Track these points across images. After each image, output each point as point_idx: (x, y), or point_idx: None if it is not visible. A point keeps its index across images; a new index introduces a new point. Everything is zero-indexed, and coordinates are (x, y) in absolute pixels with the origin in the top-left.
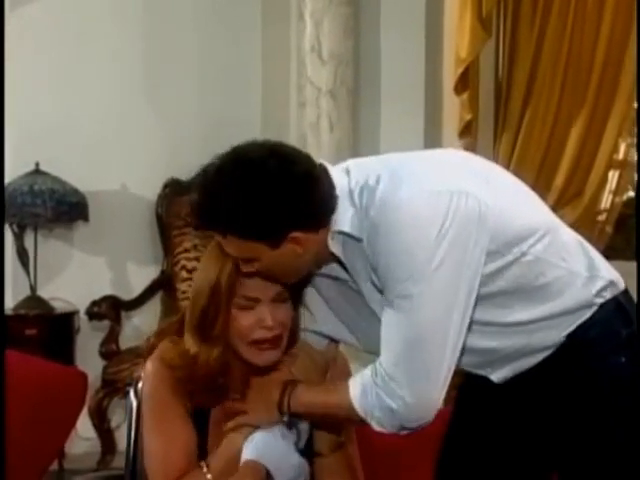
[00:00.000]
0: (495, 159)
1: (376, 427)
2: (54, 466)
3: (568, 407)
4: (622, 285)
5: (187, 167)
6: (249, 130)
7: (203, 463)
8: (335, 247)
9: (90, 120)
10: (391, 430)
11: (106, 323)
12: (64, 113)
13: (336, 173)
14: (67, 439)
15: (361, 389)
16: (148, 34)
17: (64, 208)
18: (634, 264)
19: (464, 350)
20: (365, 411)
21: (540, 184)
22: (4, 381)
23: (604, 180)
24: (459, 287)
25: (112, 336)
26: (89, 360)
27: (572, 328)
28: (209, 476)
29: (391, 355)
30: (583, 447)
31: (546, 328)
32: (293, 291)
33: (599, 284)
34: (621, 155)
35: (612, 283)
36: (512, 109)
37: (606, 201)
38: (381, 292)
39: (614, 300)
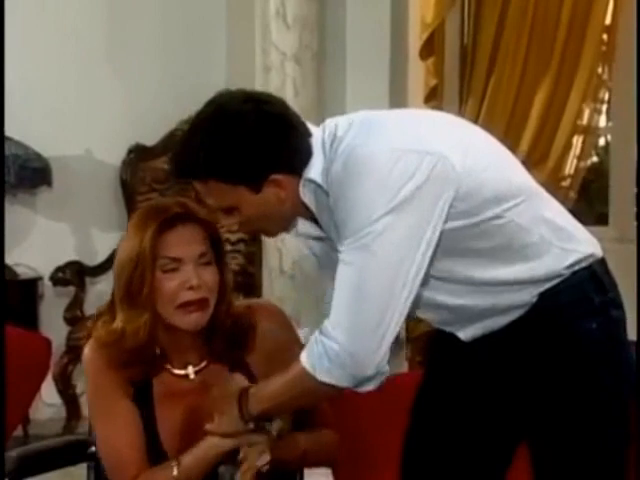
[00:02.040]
0: None
1: (326, 379)
2: (18, 432)
3: (536, 370)
4: (599, 254)
5: (152, 132)
6: (213, 93)
7: (175, 462)
8: (306, 197)
9: (53, 85)
10: (343, 383)
11: (70, 289)
12: (27, 78)
13: (313, 127)
14: (31, 405)
15: (308, 346)
16: (111, 0)
17: (27, 173)
18: (595, 229)
19: (431, 306)
20: (313, 365)
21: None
22: (4, 381)
23: (568, 145)
24: (412, 246)
25: (76, 302)
26: (53, 326)
27: (541, 290)
28: (175, 472)
29: (338, 305)
30: (551, 412)
31: (513, 291)
32: (218, 256)
33: (572, 258)
34: (585, 120)
35: (589, 256)
36: (477, 74)
37: (570, 166)
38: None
39: (589, 268)
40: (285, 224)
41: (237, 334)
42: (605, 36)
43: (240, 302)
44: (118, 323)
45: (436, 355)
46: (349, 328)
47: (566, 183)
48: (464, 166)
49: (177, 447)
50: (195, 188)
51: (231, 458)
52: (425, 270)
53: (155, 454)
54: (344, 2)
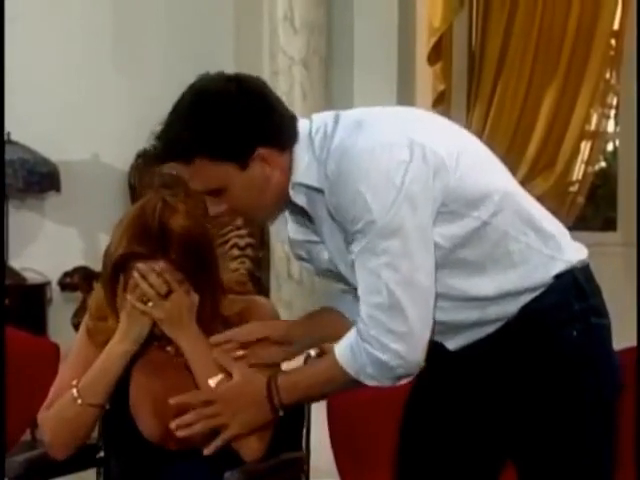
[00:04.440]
0: (468, 129)
1: (372, 383)
2: (26, 436)
3: (519, 377)
4: (585, 261)
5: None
6: None
7: (75, 381)
8: (298, 198)
9: (61, 90)
10: (387, 383)
11: (78, 294)
12: (34, 83)
13: (300, 119)
14: (39, 410)
15: (350, 351)
16: (118, 4)
17: (35, 178)
18: (603, 234)
19: None
20: (358, 372)
21: (512, 155)
22: (4, 380)
23: (576, 151)
24: (427, 231)
25: (84, 307)
26: (61, 331)
27: (527, 300)
28: (74, 390)
29: (366, 307)
30: (535, 418)
31: (501, 304)
32: (196, 274)
33: (559, 266)
34: (593, 126)
35: (574, 263)
36: (485, 80)
37: (578, 172)
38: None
39: (571, 274)
40: (272, 209)
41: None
42: (613, 41)
43: (235, 299)
44: (111, 323)
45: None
46: (406, 334)
47: (574, 188)
48: (451, 159)
49: (143, 416)
50: (179, 178)
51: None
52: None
53: (120, 416)
54: (351, 7)
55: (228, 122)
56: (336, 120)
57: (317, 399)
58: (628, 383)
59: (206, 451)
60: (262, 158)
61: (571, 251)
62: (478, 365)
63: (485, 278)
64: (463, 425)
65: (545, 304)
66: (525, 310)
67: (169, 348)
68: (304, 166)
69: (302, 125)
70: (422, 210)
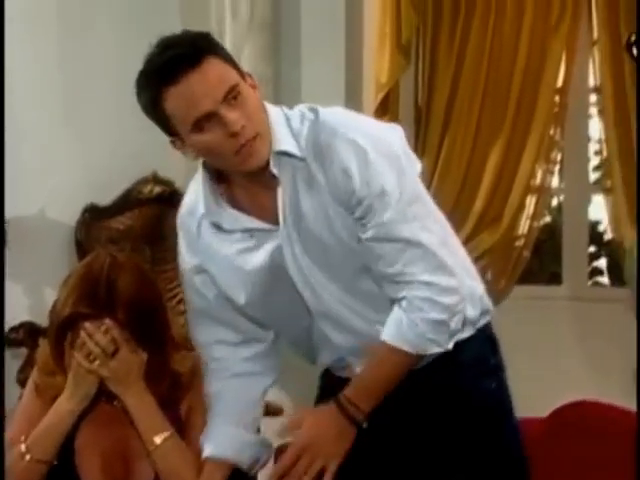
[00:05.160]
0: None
1: (433, 349)
2: None
3: (436, 426)
4: (492, 315)
5: (106, 192)
6: (169, 153)
7: (23, 437)
8: (275, 167)
9: (8, 143)
10: (447, 344)
11: (24, 350)
12: None
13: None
14: None
15: (401, 331)
16: (65, 57)
17: None
18: (548, 288)
19: (346, 329)
20: (417, 345)
21: (459, 209)
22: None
23: (522, 205)
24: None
25: (29, 363)
26: (7, 387)
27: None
28: (22, 446)
29: (411, 276)
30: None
31: None
32: (143, 332)
33: (481, 307)
34: (538, 180)
35: (488, 312)
36: (431, 135)
37: (524, 226)
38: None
39: (487, 327)
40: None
41: (175, 389)
42: (557, 98)
43: (186, 355)
44: (59, 380)
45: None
46: (456, 287)
47: (520, 243)
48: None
49: (91, 471)
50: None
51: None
52: None
53: (67, 471)
54: (299, 61)
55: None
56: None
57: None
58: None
59: None
60: (253, 86)
61: (488, 301)
62: (396, 410)
63: None
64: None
65: (466, 355)
66: (445, 357)
67: (117, 402)
68: (283, 136)
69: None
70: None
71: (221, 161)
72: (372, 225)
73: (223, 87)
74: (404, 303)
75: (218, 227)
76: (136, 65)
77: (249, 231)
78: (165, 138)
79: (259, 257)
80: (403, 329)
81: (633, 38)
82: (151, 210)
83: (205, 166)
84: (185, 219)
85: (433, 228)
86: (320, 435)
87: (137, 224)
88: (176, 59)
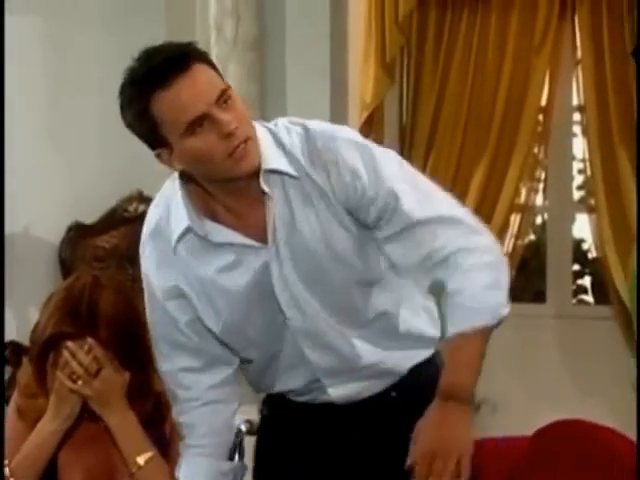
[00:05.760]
0: None
1: (505, 310)
2: None
3: (393, 455)
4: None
5: (91, 210)
6: (154, 171)
7: (7, 460)
8: (265, 185)
9: None
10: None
11: (8, 368)
12: None
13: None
14: None
15: (478, 293)
16: (50, 75)
17: None
18: (533, 306)
19: (327, 348)
20: (503, 299)
21: None
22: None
23: (506, 224)
24: None
25: (14, 382)
26: None
27: (415, 361)
28: (7, 470)
29: (453, 247)
30: None
31: (404, 348)
32: (126, 352)
33: (438, 329)
34: (522, 199)
35: (443, 338)
36: (416, 154)
37: (508, 245)
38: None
39: (440, 354)
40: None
41: (158, 409)
42: (540, 117)
43: None
44: (41, 402)
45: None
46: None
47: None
48: None
49: None
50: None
51: None
52: None
53: None
54: (284, 79)
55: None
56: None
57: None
58: None
59: None
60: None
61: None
62: (378, 432)
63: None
64: None
65: (428, 379)
66: (411, 381)
67: (100, 422)
68: (272, 153)
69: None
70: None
71: (212, 168)
72: (396, 218)
73: (214, 90)
74: (457, 260)
75: (203, 242)
76: (119, 82)
77: (235, 247)
78: (151, 156)
79: (243, 276)
80: (466, 304)
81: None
82: (136, 228)
83: (183, 182)
84: (154, 239)
85: (446, 199)
86: (441, 434)
87: (122, 242)
88: (165, 64)
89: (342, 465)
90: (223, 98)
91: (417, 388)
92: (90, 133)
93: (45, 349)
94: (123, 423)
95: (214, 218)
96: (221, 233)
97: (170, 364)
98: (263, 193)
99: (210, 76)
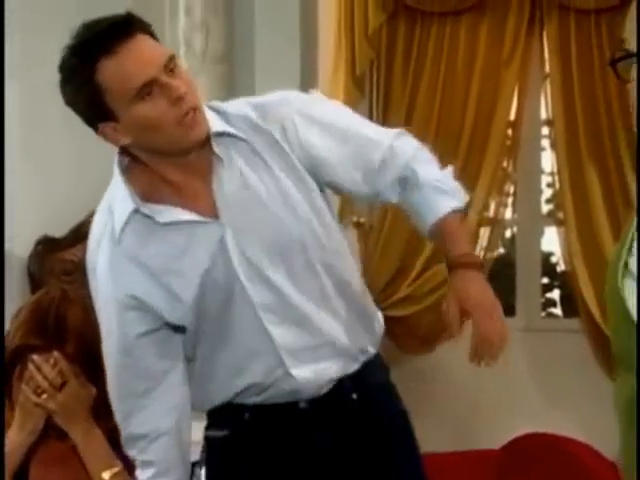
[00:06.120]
0: (370, 216)
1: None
2: None
3: (356, 455)
4: None
5: (60, 224)
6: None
7: None
8: (218, 148)
9: None
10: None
11: None
12: None
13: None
14: None
15: (444, 178)
16: (23, 87)
17: None
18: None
19: (292, 321)
20: (460, 199)
21: (414, 240)
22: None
23: (475, 237)
24: None
25: None
26: None
27: (367, 348)
28: None
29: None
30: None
31: (362, 320)
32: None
33: (380, 330)
34: (492, 212)
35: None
36: None
37: None
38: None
39: (382, 357)
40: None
41: None
42: (509, 131)
43: None
44: (7, 416)
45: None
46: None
47: None
48: None
49: None
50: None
51: None
52: None
53: None
54: (254, 93)
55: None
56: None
57: None
58: None
59: None
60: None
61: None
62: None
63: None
64: None
65: (379, 375)
66: (360, 381)
67: (68, 440)
68: (217, 121)
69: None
70: None
71: (161, 136)
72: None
73: (162, 56)
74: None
75: (150, 227)
76: None
77: (183, 226)
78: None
79: (198, 255)
80: (441, 190)
81: (619, 54)
82: None
83: (124, 166)
84: (100, 246)
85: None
86: (481, 292)
87: None
88: (109, 30)
89: (312, 474)
90: (170, 65)
91: (375, 390)
92: (60, 147)
93: (11, 361)
94: (88, 438)
95: (158, 202)
96: (168, 212)
97: (130, 405)
98: (211, 164)
99: (155, 44)
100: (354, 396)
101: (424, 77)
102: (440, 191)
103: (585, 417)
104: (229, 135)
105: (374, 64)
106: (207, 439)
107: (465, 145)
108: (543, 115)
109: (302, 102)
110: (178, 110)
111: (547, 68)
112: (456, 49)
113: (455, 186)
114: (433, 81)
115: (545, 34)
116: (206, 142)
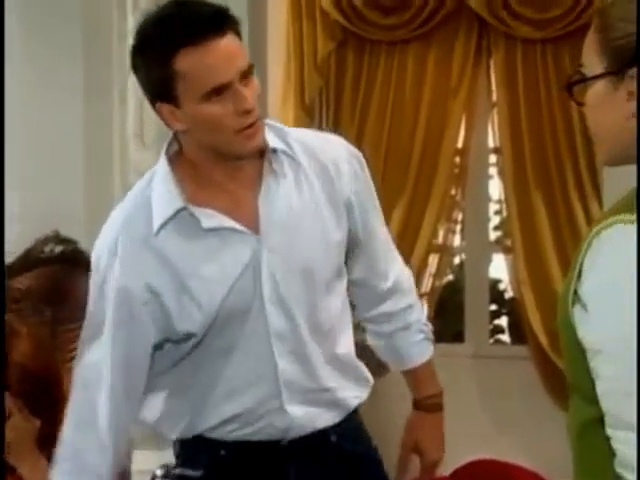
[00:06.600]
0: None
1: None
2: None
3: None
4: None
5: (10, 252)
6: (73, 214)
7: None
8: (273, 163)
9: None
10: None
11: None
12: None
13: None
14: None
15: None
16: None
17: None
18: (452, 346)
19: (300, 353)
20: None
21: None
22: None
23: (424, 264)
24: None
25: None
26: None
27: (357, 403)
28: None
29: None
30: None
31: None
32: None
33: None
34: (440, 239)
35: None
36: None
37: (427, 284)
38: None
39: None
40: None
41: None
42: (457, 159)
43: None
44: None
45: None
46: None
47: (423, 301)
48: None
49: None
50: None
51: None
52: None
53: None
54: None
55: None
56: None
57: None
58: None
59: None
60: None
61: None
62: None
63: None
64: None
65: (360, 424)
66: (349, 424)
67: (17, 472)
68: (273, 138)
69: None
70: None
71: (218, 138)
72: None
73: (244, 62)
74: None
75: (191, 229)
76: (40, 117)
77: (222, 232)
78: (67, 198)
79: (228, 263)
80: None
81: (575, 78)
82: (53, 269)
83: (168, 151)
84: (126, 231)
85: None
86: (442, 442)
87: (38, 283)
88: (202, 20)
89: None
90: (248, 73)
91: (353, 431)
92: (10, 171)
93: None
94: (34, 471)
95: (204, 203)
96: (214, 218)
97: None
98: (260, 175)
99: (240, 48)
100: (333, 438)
101: (373, 105)
102: (424, 337)
103: (533, 443)
104: (284, 153)
105: (323, 92)
106: (180, 478)
107: (414, 173)
108: (491, 143)
109: (358, 160)
110: (243, 121)
111: (494, 97)
112: (404, 78)
113: (430, 328)
114: (382, 109)
115: (492, 63)
116: (258, 153)
